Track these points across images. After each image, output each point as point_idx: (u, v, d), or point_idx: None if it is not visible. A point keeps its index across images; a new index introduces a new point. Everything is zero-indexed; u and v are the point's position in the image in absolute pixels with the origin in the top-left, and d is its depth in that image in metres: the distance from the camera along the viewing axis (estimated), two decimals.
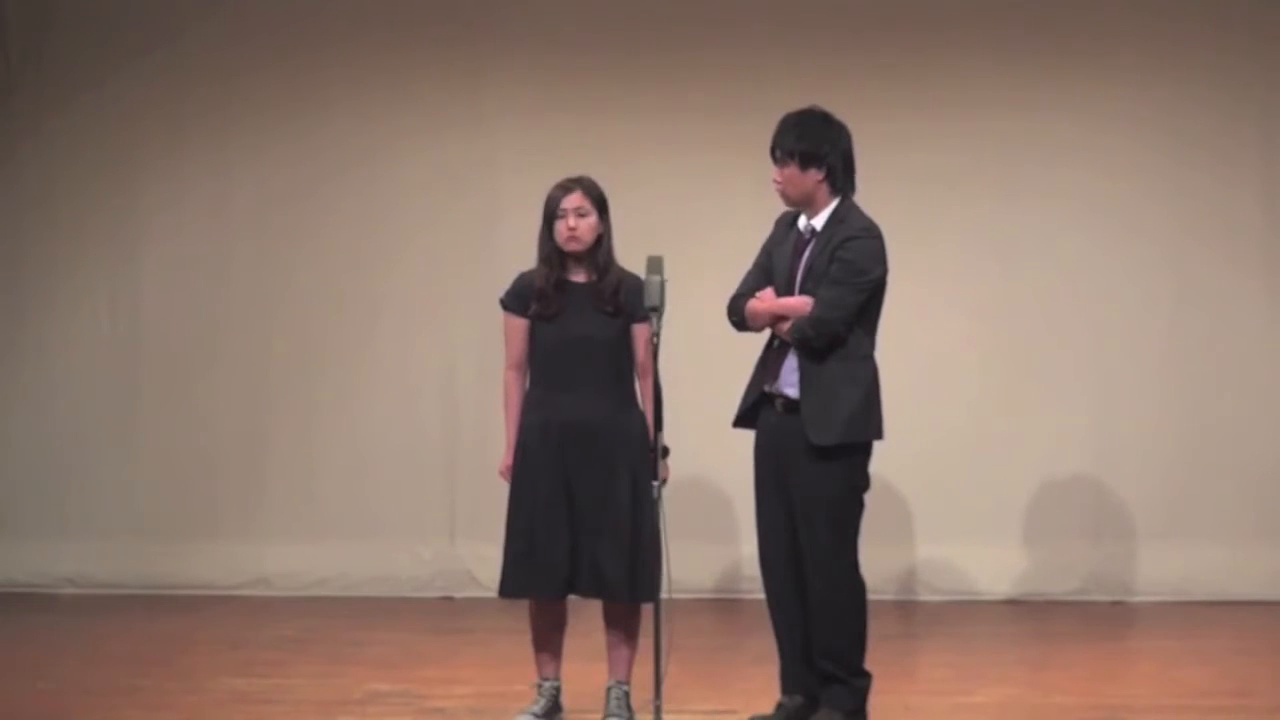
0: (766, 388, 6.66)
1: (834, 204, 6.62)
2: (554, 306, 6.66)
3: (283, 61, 10.31)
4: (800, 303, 6.55)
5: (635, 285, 6.58)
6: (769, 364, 6.67)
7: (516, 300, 6.75)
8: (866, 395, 6.58)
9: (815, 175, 6.59)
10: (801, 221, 6.66)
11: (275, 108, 10.33)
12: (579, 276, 6.71)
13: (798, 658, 6.66)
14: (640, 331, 6.64)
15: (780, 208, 6.79)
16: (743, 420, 6.75)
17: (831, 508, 6.54)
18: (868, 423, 6.59)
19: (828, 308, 6.50)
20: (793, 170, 6.58)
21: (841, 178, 6.64)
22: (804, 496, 6.54)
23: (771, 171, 6.64)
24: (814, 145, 6.58)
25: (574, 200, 6.67)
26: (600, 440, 6.62)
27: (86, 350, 10.39)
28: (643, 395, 6.71)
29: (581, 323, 6.65)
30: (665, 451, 6.55)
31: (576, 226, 6.65)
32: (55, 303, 10.44)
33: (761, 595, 6.77)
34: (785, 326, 6.55)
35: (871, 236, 6.59)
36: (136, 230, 10.40)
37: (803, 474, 6.54)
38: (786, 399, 6.59)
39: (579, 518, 6.61)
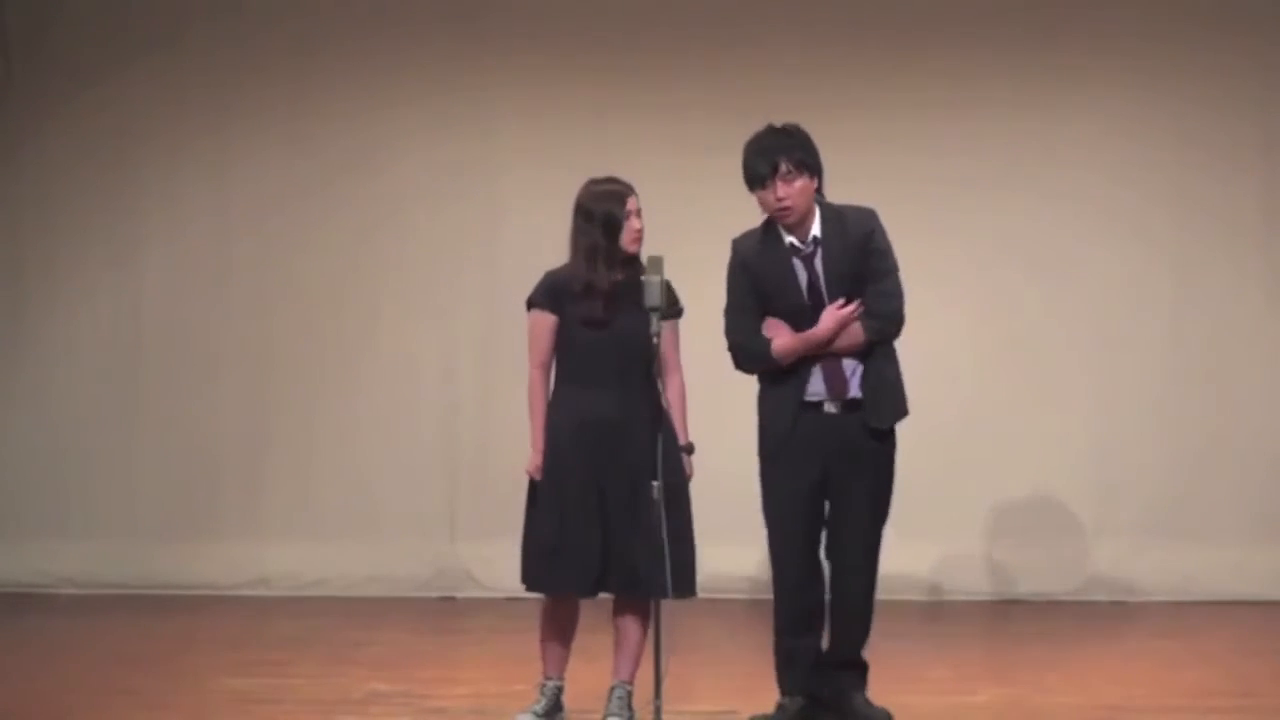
0: (818, 399, 6.60)
1: (818, 207, 6.62)
2: (612, 309, 6.61)
3: (282, 62, 10.31)
4: (851, 311, 6.52)
5: (665, 284, 6.58)
6: (818, 377, 6.58)
7: (550, 299, 6.67)
8: (898, 371, 6.66)
9: (815, 182, 6.59)
10: (787, 239, 6.59)
11: (275, 108, 10.33)
12: (619, 276, 6.68)
13: (804, 659, 6.68)
14: (668, 329, 6.61)
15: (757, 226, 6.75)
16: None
17: (882, 502, 6.65)
18: (904, 398, 6.68)
19: (895, 298, 6.56)
20: (804, 182, 6.54)
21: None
22: (868, 490, 6.60)
23: (774, 191, 6.51)
24: (813, 154, 6.58)
25: (635, 202, 6.65)
26: (636, 438, 6.55)
27: (87, 350, 10.40)
28: (670, 393, 6.68)
29: (628, 323, 6.57)
30: (690, 448, 6.59)
31: (642, 228, 6.64)
32: (55, 303, 10.45)
33: (760, 596, 6.78)
34: (852, 340, 6.51)
35: (878, 219, 6.62)
36: (136, 230, 10.41)
37: (863, 468, 6.58)
38: (847, 401, 6.58)
39: (611, 516, 6.57)
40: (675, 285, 6.52)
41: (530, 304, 6.73)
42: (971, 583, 9.89)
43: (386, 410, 10.22)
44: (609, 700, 6.71)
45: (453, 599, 10.07)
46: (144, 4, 10.41)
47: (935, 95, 9.89)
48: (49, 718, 7.21)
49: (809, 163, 6.55)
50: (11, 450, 10.42)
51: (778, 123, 6.62)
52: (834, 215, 6.59)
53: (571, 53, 10.14)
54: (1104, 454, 9.87)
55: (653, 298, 6.37)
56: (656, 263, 6.41)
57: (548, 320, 6.68)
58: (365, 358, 10.26)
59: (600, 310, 6.59)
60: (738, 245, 6.70)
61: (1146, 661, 8.35)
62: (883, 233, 6.59)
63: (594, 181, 6.73)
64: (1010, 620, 9.49)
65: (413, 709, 7.25)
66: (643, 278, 6.40)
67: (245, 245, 10.35)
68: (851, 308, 6.51)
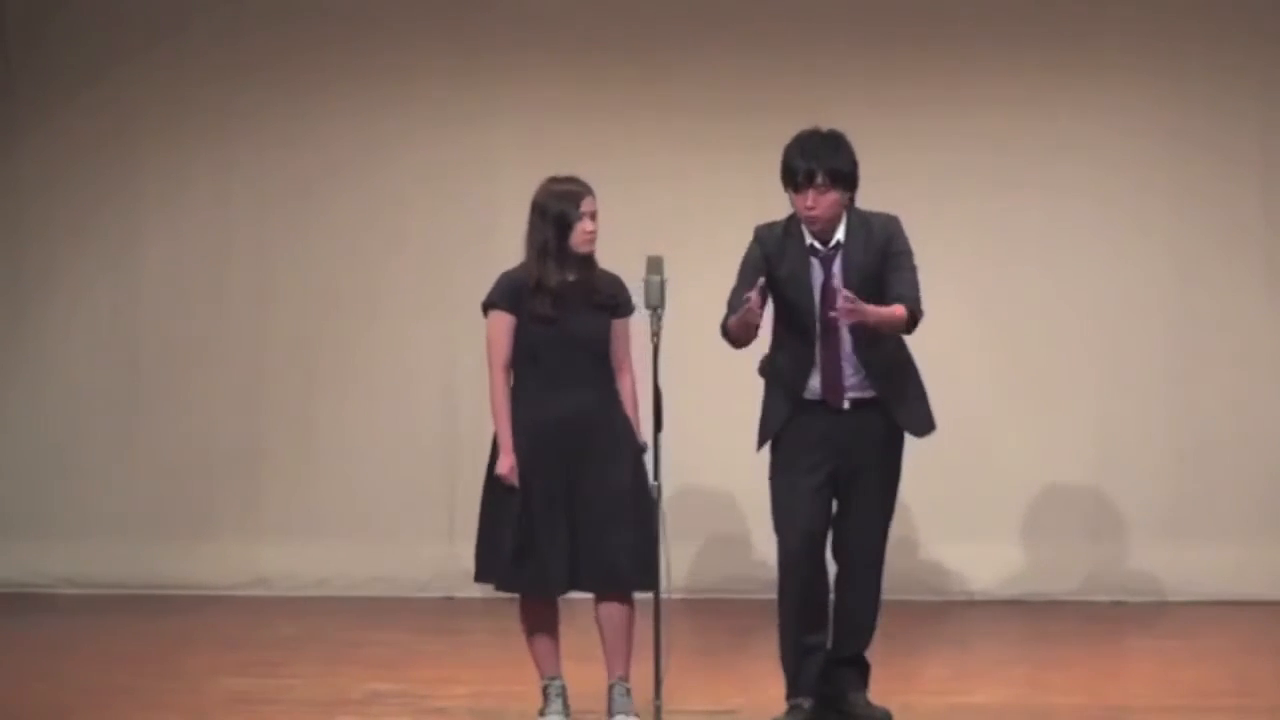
0: (818, 396, 6.59)
1: (846, 213, 6.59)
2: (561, 306, 6.64)
3: (282, 60, 10.31)
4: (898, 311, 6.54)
5: (616, 281, 6.62)
6: (815, 379, 6.58)
7: (508, 299, 6.71)
8: (920, 380, 6.73)
9: (848, 195, 6.56)
10: (809, 239, 6.57)
11: (275, 106, 10.33)
12: (572, 275, 6.70)
13: (814, 660, 6.69)
14: (619, 327, 6.65)
15: (769, 216, 6.73)
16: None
17: (890, 502, 6.69)
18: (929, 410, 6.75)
19: (917, 287, 6.64)
20: (836, 195, 6.50)
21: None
22: (876, 490, 6.64)
23: (806, 198, 6.48)
24: (853, 168, 6.54)
25: (591, 203, 6.67)
26: (598, 435, 6.62)
27: (85, 350, 10.39)
28: (621, 390, 6.70)
29: (580, 321, 6.64)
30: (644, 447, 6.59)
31: (594, 230, 6.65)
32: (55, 301, 10.44)
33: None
34: (893, 319, 6.52)
35: (901, 224, 6.66)
36: (136, 228, 10.40)
37: (878, 467, 6.62)
38: (855, 399, 6.58)
39: (580, 514, 6.58)
40: (671, 284, 6.49)
41: (488, 305, 6.77)
42: (971, 582, 9.88)
43: (386, 410, 10.21)
44: (611, 699, 6.70)
45: (453, 599, 10.06)
46: (144, 3, 10.40)
47: (934, 93, 9.88)
48: (48, 717, 7.21)
49: (846, 177, 6.51)
50: (10, 450, 10.41)
51: (824, 127, 6.58)
52: (860, 222, 6.59)
53: (569, 52, 10.13)
54: (1104, 453, 9.86)
55: (653, 297, 6.42)
56: (656, 263, 6.44)
57: (506, 320, 6.72)
58: (364, 357, 10.25)
59: (549, 307, 6.62)
60: (760, 233, 6.68)
61: (1146, 661, 8.34)
62: (904, 237, 6.64)
63: (553, 180, 6.77)
64: (1010, 620, 9.49)
65: (413, 709, 7.25)
66: (644, 278, 6.44)
67: (244, 243, 10.34)
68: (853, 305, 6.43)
